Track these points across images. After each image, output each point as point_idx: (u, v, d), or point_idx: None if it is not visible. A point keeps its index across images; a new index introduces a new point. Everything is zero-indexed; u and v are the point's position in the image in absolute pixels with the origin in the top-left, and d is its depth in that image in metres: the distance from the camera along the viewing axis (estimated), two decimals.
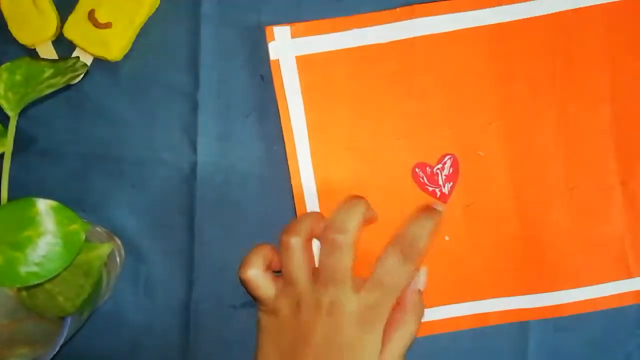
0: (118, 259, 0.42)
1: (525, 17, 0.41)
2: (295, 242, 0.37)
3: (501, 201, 0.42)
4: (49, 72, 0.38)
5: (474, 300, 0.42)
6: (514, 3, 0.41)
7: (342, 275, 0.37)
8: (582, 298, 0.42)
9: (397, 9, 0.41)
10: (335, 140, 0.42)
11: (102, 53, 0.42)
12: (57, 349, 0.35)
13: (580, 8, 0.41)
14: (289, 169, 0.42)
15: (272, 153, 0.43)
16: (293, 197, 0.42)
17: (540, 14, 0.41)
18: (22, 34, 0.42)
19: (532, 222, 0.42)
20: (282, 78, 0.42)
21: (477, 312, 0.42)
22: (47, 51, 0.42)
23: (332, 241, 0.37)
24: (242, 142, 0.43)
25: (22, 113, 0.37)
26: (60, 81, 0.39)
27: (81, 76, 0.42)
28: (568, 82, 0.42)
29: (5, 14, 0.42)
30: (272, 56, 0.42)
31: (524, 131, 0.42)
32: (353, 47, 0.42)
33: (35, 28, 0.42)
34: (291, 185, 0.42)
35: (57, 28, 0.42)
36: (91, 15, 0.41)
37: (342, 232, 0.37)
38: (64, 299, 0.34)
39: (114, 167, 0.43)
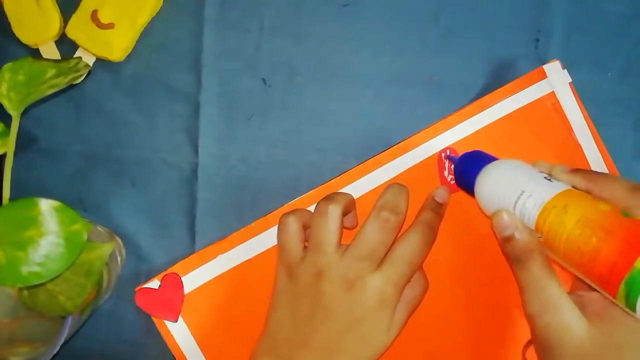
0: (119, 259, 0.42)
1: None
2: (333, 209, 0.37)
3: None
4: (51, 72, 0.38)
5: None
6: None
7: (379, 254, 0.37)
8: None
9: (234, 233, 0.42)
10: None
11: (104, 53, 0.42)
12: (57, 348, 0.35)
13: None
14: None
15: (272, 156, 0.43)
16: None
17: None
18: (25, 34, 0.42)
19: None
20: None
21: None
22: (50, 51, 0.43)
23: (386, 220, 0.37)
24: (243, 144, 0.43)
25: (25, 113, 0.37)
26: (62, 81, 0.39)
27: (83, 76, 0.42)
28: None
29: (9, 14, 0.42)
30: None
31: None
32: (224, 272, 0.42)
33: (38, 28, 0.42)
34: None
35: (59, 28, 0.42)
36: (94, 16, 0.41)
37: (396, 214, 0.37)
38: (65, 298, 0.34)
39: (116, 167, 0.43)
